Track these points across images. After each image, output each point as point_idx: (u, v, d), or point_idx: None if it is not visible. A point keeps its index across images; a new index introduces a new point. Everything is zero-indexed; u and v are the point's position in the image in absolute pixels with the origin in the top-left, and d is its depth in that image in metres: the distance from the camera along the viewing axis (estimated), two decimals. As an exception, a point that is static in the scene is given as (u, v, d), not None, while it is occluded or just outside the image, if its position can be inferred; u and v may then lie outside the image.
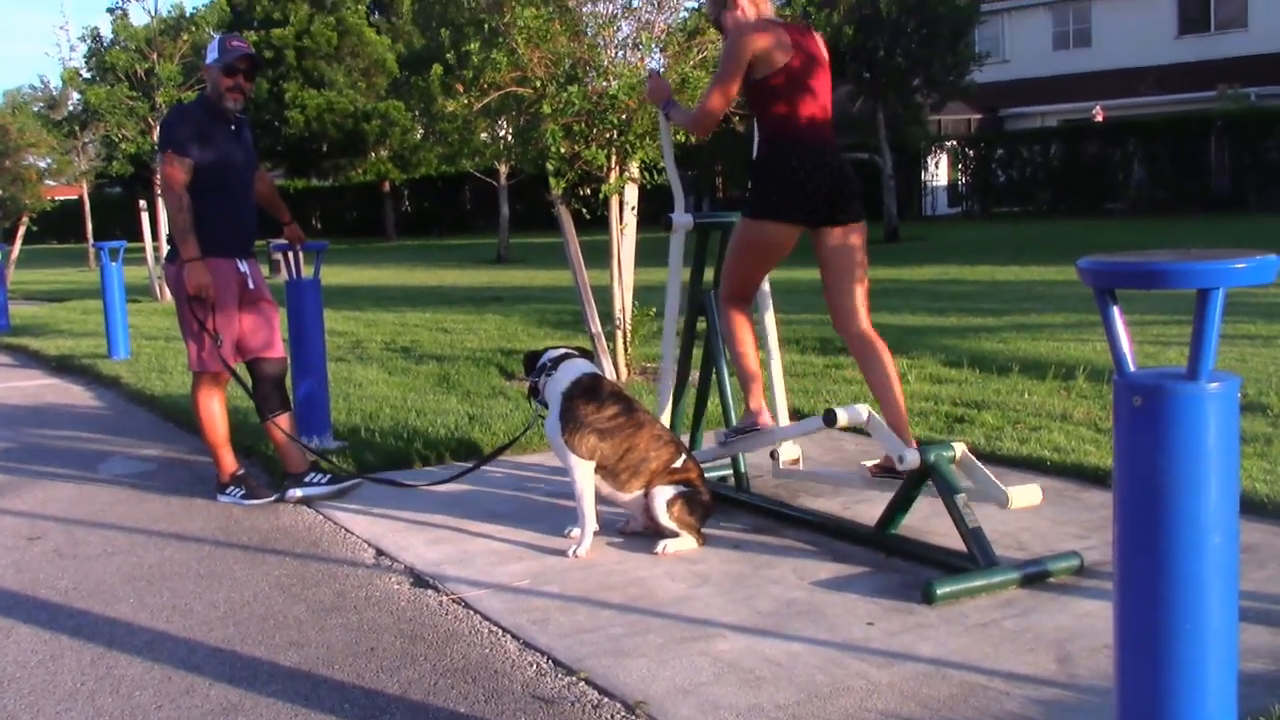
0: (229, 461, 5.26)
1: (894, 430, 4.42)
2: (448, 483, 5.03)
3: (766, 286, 5.03)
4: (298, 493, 5.17)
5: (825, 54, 4.50)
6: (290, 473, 5.22)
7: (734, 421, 4.81)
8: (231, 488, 5.23)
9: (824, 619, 3.48)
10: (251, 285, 5.20)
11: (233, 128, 5.16)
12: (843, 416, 4.12)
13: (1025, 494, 3.88)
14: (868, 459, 4.78)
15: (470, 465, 5.11)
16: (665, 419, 4.93)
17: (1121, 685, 2.04)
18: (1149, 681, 1.98)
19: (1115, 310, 1.95)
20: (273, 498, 5.20)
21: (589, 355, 4.59)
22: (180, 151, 4.96)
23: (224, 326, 5.05)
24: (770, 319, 5.04)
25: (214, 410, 5.20)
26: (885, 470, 4.50)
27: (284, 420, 5.25)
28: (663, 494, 4.23)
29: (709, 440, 5.24)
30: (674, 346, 4.93)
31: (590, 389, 4.33)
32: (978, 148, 33.28)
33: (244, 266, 5.19)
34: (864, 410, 4.12)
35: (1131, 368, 1.95)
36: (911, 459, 3.87)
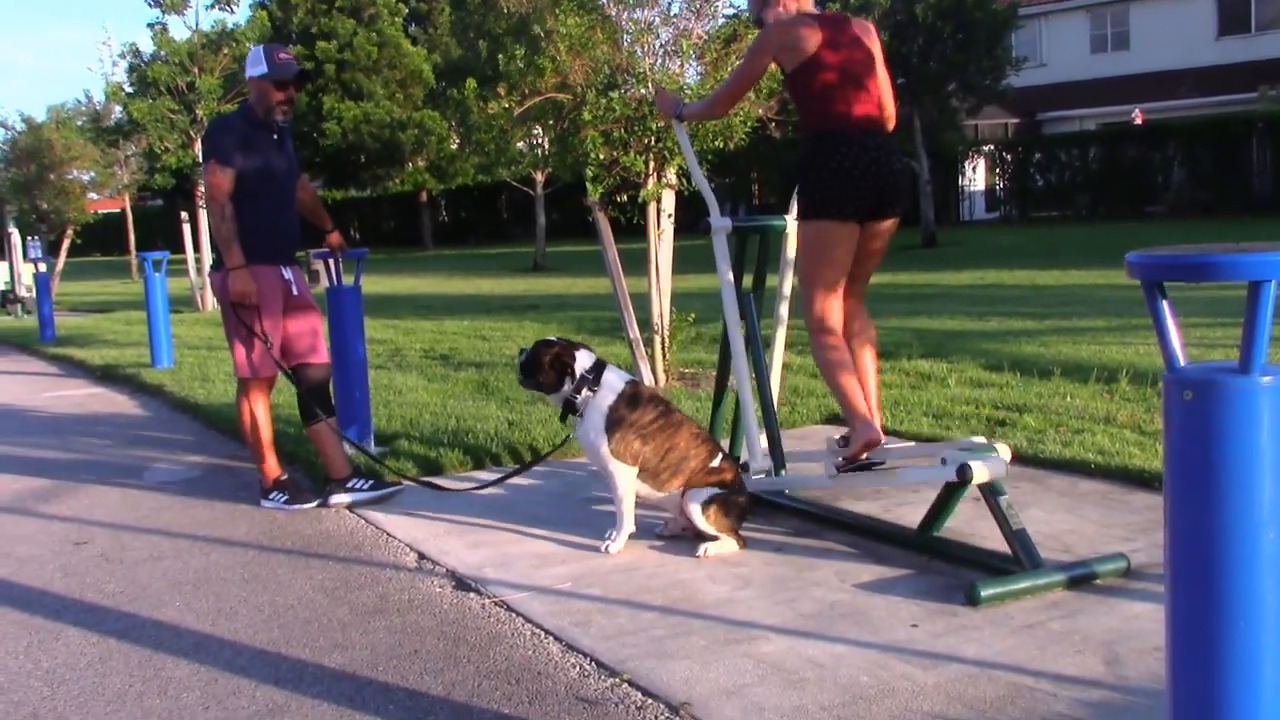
0: (273, 467, 5.30)
1: (864, 410, 4.42)
2: (490, 487, 5.05)
3: (786, 288, 5.01)
4: (341, 498, 5.20)
5: (873, 41, 4.42)
6: (333, 478, 5.25)
7: (777, 430, 4.77)
8: (275, 493, 5.27)
9: (867, 621, 3.46)
10: (295, 292, 5.25)
11: (275, 137, 5.22)
12: (979, 472, 3.75)
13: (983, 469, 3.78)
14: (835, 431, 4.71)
15: (512, 470, 5.12)
16: (752, 428, 4.82)
17: (1174, 686, 2.01)
18: (1202, 682, 1.95)
19: (1165, 305, 1.93)
20: (316, 503, 5.24)
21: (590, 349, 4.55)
22: (224, 161, 5.02)
23: (270, 332, 5.10)
24: (784, 310, 5.00)
25: (259, 416, 5.25)
26: (848, 440, 4.48)
27: (327, 426, 5.29)
28: (698, 496, 4.22)
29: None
30: (742, 349, 4.81)
31: (632, 398, 4.33)
32: (1015, 152, 33.02)
33: (288, 273, 5.24)
34: (998, 466, 3.83)
35: (1182, 362, 1.93)
36: (955, 462, 3.84)
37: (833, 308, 4.41)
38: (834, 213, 4.28)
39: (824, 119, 4.30)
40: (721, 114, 5.03)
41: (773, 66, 4.61)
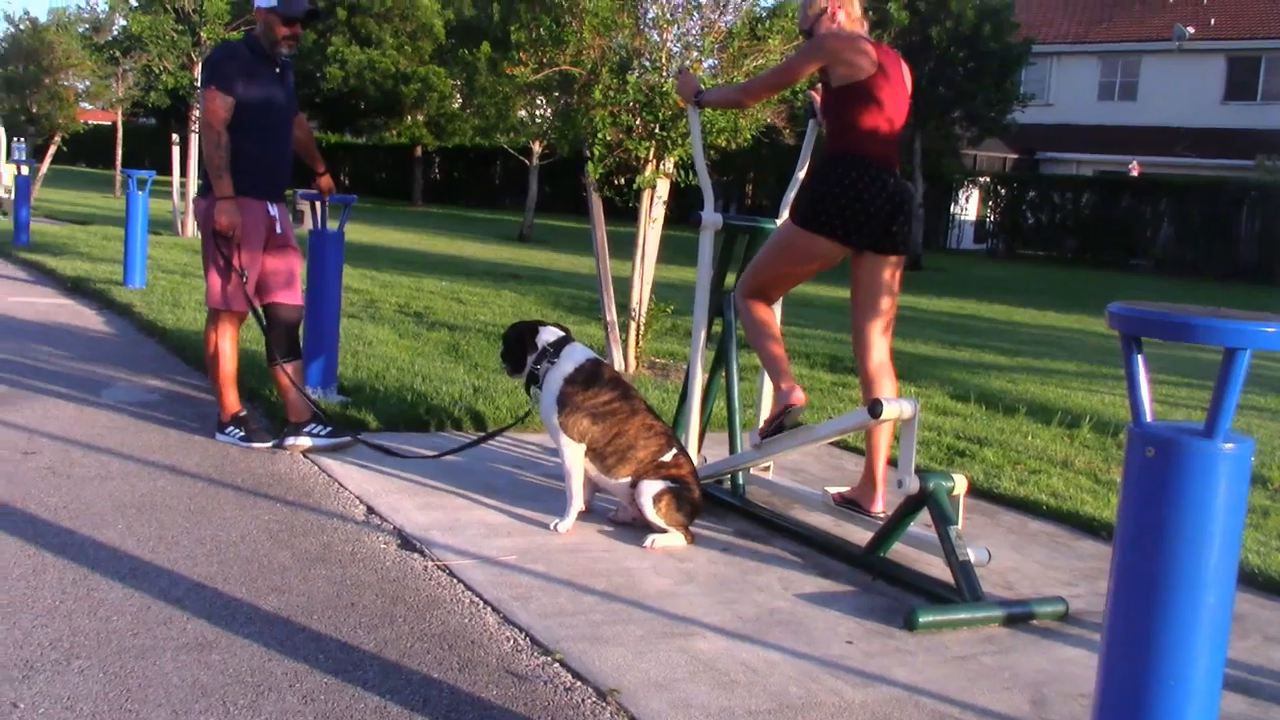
0: (232, 401, 5.26)
1: (870, 477, 4.45)
2: (445, 456, 5.02)
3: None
4: (298, 441, 5.17)
5: (909, 82, 4.47)
6: (292, 420, 5.23)
7: (738, 427, 4.79)
8: (231, 428, 5.23)
9: (804, 632, 3.48)
10: (279, 230, 5.21)
11: (277, 71, 5.17)
12: (890, 410, 3.91)
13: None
14: (834, 486, 4.77)
15: (469, 441, 5.10)
16: (694, 421, 4.86)
17: (1097, 733, 2.03)
18: (1125, 733, 1.97)
19: (1139, 359, 1.94)
20: (271, 443, 5.21)
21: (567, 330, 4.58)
22: (224, 88, 4.97)
23: (247, 268, 5.06)
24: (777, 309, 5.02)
25: (225, 348, 5.20)
26: (848, 502, 4.53)
27: (292, 368, 5.26)
28: (650, 488, 4.22)
29: (712, 444, 5.23)
30: (703, 347, 4.85)
31: (591, 374, 4.34)
32: (1010, 187, 33.21)
33: (274, 210, 5.20)
34: (910, 405, 3.96)
35: (1149, 418, 1.94)
36: (910, 485, 3.86)
37: (773, 296, 4.65)
38: (831, 230, 4.29)
39: (854, 143, 4.30)
40: (747, 104, 5.21)
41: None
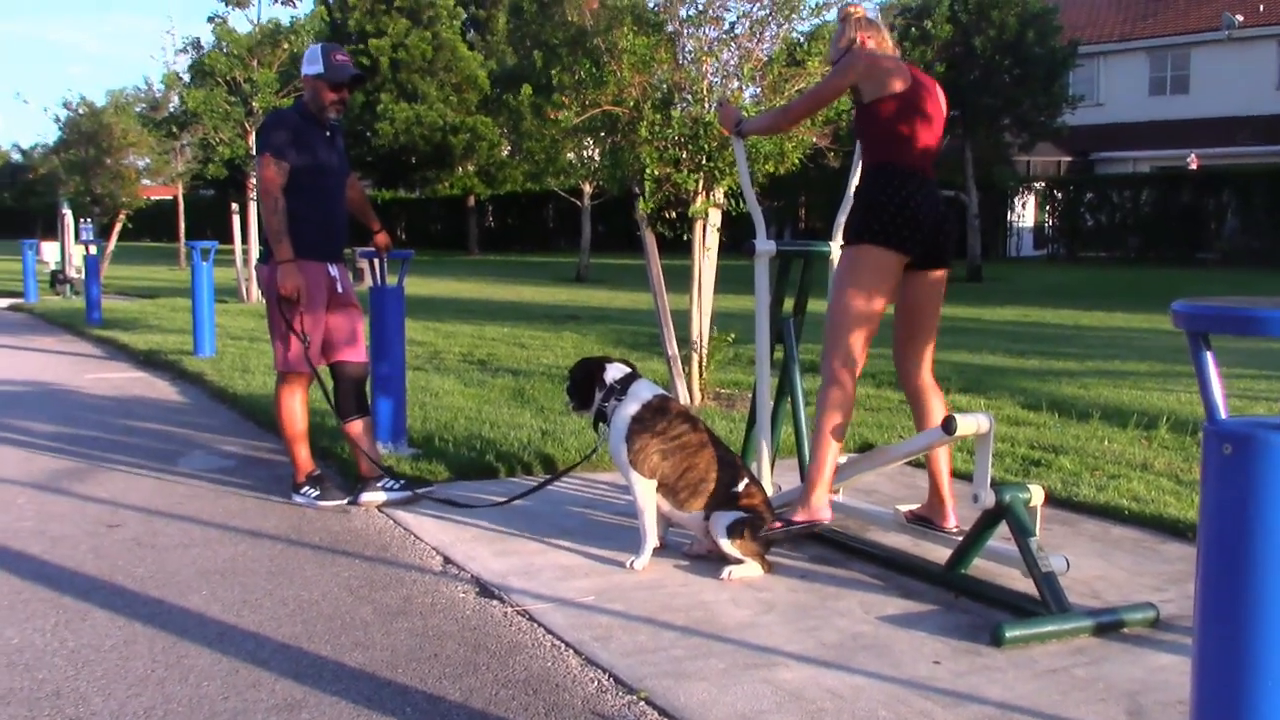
0: (305, 462, 5.34)
1: (937, 493, 4.40)
2: (508, 503, 5.02)
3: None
4: (371, 496, 5.23)
5: (942, 99, 4.43)
6: (364, 476, 5.28)
7: (807, 453, 4.76)
8: (306, 488, 5.30)
9: (890, 655, 3.44)
10: (340, 289, 5.30)
11: (327, 134, 5.27)
12: (965, 425, 3.86)
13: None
14: (905, 504, 4.72)
15: (536, 484, 5.12)
16: (765, 450, 4.85)
17: (1196, 741, 1.99)
18: (1226, 739, 1.93)
19: (1208, 356, 1.91)
20: (345, 500, 5.27)
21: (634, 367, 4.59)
22: (277, 155, 5.07)
23: (312, 328, 5.15)
24: None
25: (295, 410, 5.29)
26: (920, 520, 4.49)
27: (361, 424, 5.33)
28: (724, 520, 4.21)
29: (782, 471, 5.20)
30: (768, 376, 4.84)
31: (658, 410, 4.35)
32: (1066, 190, 32.80)
33: (333, 270, 5.29)
34: (986, 419, 3.93)
35: (1223, 415, 1.91)
36: (986, 500, 3.82)
37: (861, 347, 4.28)
38: (888, 240, 4.24)
39: (892, 153, 4.28)
40: (787, 128, 5.18)
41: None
